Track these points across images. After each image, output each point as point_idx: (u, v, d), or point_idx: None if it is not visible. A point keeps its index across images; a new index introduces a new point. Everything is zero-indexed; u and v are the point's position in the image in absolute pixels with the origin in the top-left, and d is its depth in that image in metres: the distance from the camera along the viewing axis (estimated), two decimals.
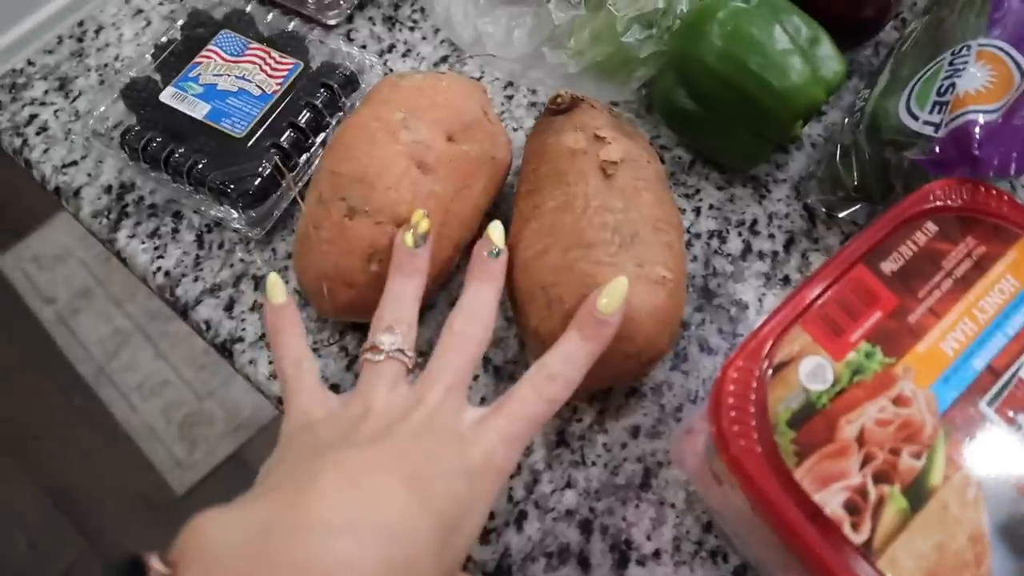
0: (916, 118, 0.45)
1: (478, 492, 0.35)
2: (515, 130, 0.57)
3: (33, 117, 0.59)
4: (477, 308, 0.40)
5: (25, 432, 1.50)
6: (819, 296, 0.37)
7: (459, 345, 0.39)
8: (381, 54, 0.61)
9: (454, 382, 0.38)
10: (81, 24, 0.64)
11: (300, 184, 0.52)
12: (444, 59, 0.61)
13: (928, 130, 0.44)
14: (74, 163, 0.57)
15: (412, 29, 0.62)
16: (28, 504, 1.43)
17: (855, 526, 0.33)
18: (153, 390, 1.54)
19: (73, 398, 1.53)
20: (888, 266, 0.38)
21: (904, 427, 0.35)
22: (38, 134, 0.59)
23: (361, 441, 0.34)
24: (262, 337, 0.50)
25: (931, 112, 0.44)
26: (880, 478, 0.33)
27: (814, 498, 0.33)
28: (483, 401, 0.48)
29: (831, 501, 0.33)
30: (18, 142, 0.58)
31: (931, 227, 0.39)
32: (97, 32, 0.63)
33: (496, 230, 0.42)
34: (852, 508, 0.33)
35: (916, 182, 0.45)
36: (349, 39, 0.62)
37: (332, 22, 0.61)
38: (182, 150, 0.50)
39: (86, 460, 1.48)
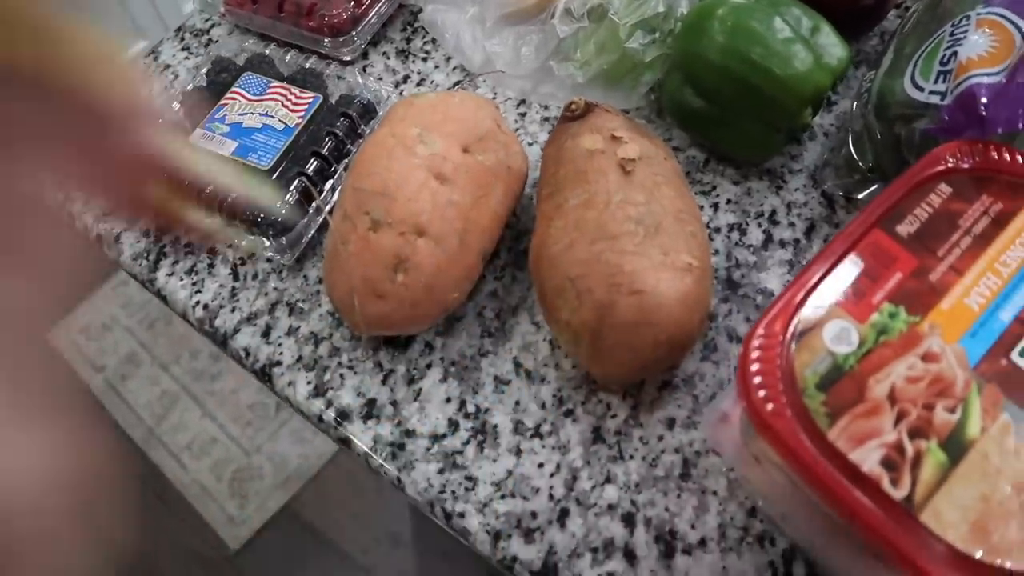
0: (921, 89, 0.45)
1: None
2: (530, 144, 0.59)
3: None
4: None
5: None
6: (837, 262, 0.37)
7: None
8: (396, 85, 0.63)
9: None
10: None
11: (328, 207, 0.54)
12: (457, 84, 0.63)
13: (935, 99, 0.44)
14: None
15: (425, 60, 0.65)
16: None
17: (894, 482, 0.32)
18: (202, 449, 1.56)
19: (125, 462, 1.56)
20: (904, 228, 0.38)
21: (936, 382, 0.34)
22: None
23: None
24: (299, 360, 0.51)
25: (936, 82, 0.45)
26: (916, 433, 0.33)
27: (850, 457, 0.33)
28: (517, 405, 0.48)
29: (867, 459, 0.33)
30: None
31: (945, 188, 0.39)
32: None
33: None
34: (889, 464, 0.33)
35: None
36: (365, 73, 0.64)
37: (347, 58, 0.63)
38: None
39: (140, 522, 1.50)
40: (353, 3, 0.63)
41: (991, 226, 0.38)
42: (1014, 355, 0.35)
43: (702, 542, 0.43)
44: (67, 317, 1.74)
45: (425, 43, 0.66)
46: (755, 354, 0.35)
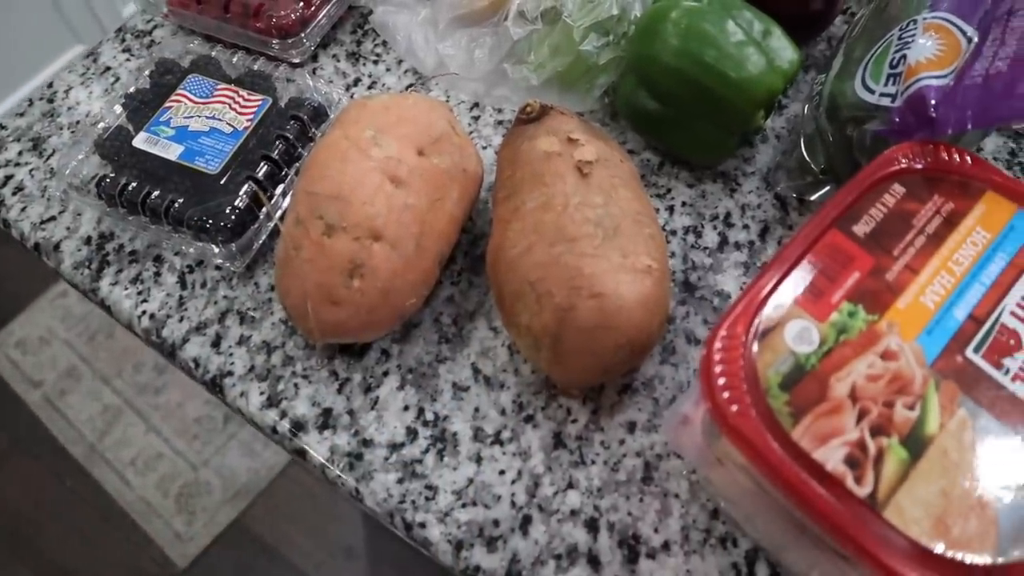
0: (872, 92, 0.46)
1: None
2: (484, 148, 0.58)
3: (8, 178, 0.60)
4: None
5: (18, 519, 1.47)
6: (796, 262, 0.37)
7: None
8: (347, 88, 0.62)
9: None
10: (51, 86, 0.65)
11: (279, 212, 0.52)
12: (410, 87, 0.62)
13: (885, 101, 0.45)
14: (52, 219, 0.57)
15: (376, 62, 0.64)
16: None
17: (858, 480, 0.32)
18: (147, 464, 1.51)
19: (65, 480, 1.50)
20: (860, 228, 0.39)
21: (895, 380, 0.35)
22: (14, 194, 0.59)
23: None
24: (251, 370, 0.50)
25: (886, 84, 0.45)
26: (877, 431, 0.33)
27: (814, 456, 0.33)
28: (476, 411, 0.47)
29: (831, 457, 0.33)
30: None
31: (898, 189, 0.40)
32: (67, 92, 0.64)
33: None
34: (853, 462, 0.33)
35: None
36: (315, 76, 0.63)
37: (297, 60, 0.62)
38: (158, 191, 0.51)
39: (83, 542, 1.44)
40: (302, 4, 0.61)
41: (943, 225, 0.39)
42: (968, 351, 0.36)
43: (665, 546, 0.43)
44: (2, 331, 1.67)
45: (376, 45, 0.65)
46: (718, 355, 0.35)
